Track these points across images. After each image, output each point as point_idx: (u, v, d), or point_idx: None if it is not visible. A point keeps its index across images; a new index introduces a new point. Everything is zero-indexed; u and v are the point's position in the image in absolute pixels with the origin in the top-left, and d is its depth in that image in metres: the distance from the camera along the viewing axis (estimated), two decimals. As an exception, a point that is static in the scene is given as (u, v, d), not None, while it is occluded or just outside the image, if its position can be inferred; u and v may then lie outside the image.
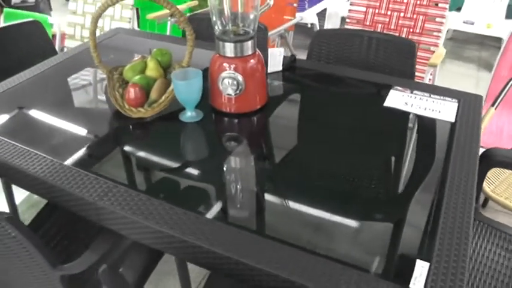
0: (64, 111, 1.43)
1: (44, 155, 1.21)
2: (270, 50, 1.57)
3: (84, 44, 1.94)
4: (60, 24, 2.69)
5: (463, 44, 4.37)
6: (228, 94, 1.32)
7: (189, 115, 1.34)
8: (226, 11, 1.30)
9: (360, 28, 2.69)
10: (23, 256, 1.01)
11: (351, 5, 2.74)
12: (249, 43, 1.30)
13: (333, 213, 1.01)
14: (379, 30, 2.70)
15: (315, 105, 1.44)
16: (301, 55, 1.81)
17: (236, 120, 1.36)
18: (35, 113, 1.42)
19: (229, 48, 1.30)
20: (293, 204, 1.03)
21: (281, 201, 1.04)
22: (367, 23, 2.72)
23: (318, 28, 3.80)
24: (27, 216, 2.32)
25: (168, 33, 2.86)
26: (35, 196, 2.46)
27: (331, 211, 1.01)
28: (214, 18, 1.32)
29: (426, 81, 2.36)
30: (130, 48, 1.89)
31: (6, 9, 2.53)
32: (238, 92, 1.31)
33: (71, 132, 1.32)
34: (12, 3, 3.83)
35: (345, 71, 1.65)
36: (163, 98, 1.36)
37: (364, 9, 2.72)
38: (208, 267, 0.96)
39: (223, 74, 1.30)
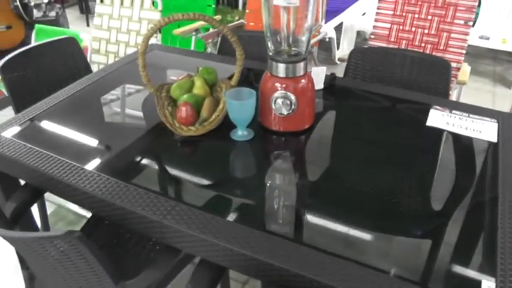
0: (108, 129, 1.45)
1: (99, 173, 1.22)
2: (313, 69, 1.59)
3: (120, 60, 1.96)
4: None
5: (476, 59, 4.40)
6: (281, 114, 1.33)
7: (241, 134, 1.36)
8: (282, 32, 1.32)
9: (396, 47, 2.71)
10: (85, 271, 1.03)
11: (375, 21, 2.77)
12: (302, 64, 1.32)
13: (383, 231, 1.02)
14: (403, 46, 2.73)
15: (357, 124, 1.46)
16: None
17: (285, 139, 1.38)
18: (83, 131, 1.44)
19: (282, 69, 1.32)
20: (345, 223, 1.05)
21: (338, 221, 1.06)
22: (392, 39, 2.75)
23: (336, 42, 3.83)
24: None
25: (192, 48, 2.88)
26: (64, 209, 2.47)
27: (379, 228, 1.03)
28: (268, 39, 1.34)
29: (454, 98, 2.38)
30: (167, 65, 1.91)
31: (37, 26, 2.56)
32: (290, 111, 1.33)
33: (120, 149, 1.34)
34: (34, 18, 3.87)
35: (383, 89, 1.67)
36: (213, 116, 1.38)
37: (388, 25, 2.75)
38: (281, 284, 0.97)
39: (276, 94, 1.32)
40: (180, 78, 1.52)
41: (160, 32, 3.36)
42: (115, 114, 1.53)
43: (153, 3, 2.73)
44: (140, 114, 1.53)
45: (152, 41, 2.71)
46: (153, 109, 1.47)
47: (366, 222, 1.05)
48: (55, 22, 3.94)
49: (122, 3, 2.82)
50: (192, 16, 1.33)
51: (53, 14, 3.94)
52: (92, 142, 1.37)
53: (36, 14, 3.92)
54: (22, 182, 1.47)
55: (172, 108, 1.42)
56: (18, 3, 3.60)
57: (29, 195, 1.48)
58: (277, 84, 1.33)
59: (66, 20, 4.19)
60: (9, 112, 3.42)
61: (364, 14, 4.13)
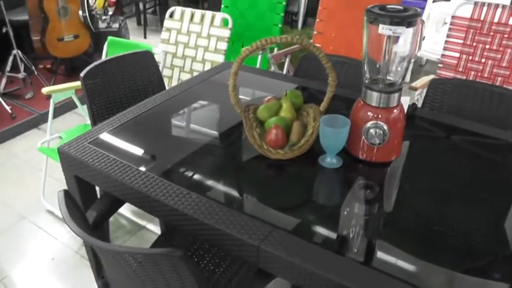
0: (189, 145, 1.46)
1: (189, 191, 1.23)
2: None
3: (195, 77, 1.99)
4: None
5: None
6: (372, 144, 1.32)
7: (329, 161, 1.35)
8: (380, 60, 1.32)
9: (477, 80, 2.66)
10: (174, 285, 1.02)
11: (444, 49, 2.73)
12: (397, 94, 1.31)
13: (458, 270, 0.99)
14: (471, 77, 2.68)
15: (437, 157, 1.44)
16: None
17: (372, 169, 1.36)
18: (164, 146, 1.45)
19: (377, 98, 1.31)
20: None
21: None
22: (460, 69, 2.70)
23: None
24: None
25: (258, 66, 2.90)
26: (122, 218, 2.50)
27: (454, 267, 0.99)
28: (365, 67, 1.33)
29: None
30: (242, 84, 1.92)
31: (110, 38, 2.63)
32: (382, 142, 1.31)
33: (206, 167, 1.35)
34: (99, 29, 3.98)
35: (463, 123, 1.64)
36: (302, 141, 1.37)
37: (457, 54, 2.70)
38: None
39: (369, 124, 1.30)
40: (266, 100, 1.52)
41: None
42: (195, 131, 1.54)
43: (223, 20, 2.76)
44: (216, 132, 1.54)
45: (220, 58, 2.74)
46: (234, 128, 1.48)
47: (440, 259, 1.02)
48: (117, 33, 4.04)
49: (191, 19, 2.87)
50: (290, 40, 1.33)
51: (116, 25, 4.04)
52: (175, 158, 1.39)
53: (101, 24, 4.03)
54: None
55: (261, 130, 1.42)
56: (87, 14, 3.71)
57: (109, 205, 1.50)
58: (371, 114, 1.32)
59: (127, 32, 4.29)
60: (73, 117, 3.51)
61: (424, 38, 4.09)
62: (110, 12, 4.11)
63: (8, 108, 3.37)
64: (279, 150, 1.35)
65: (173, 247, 1.52)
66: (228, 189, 1.25)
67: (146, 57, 2.09)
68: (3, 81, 3.62)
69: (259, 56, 2.89)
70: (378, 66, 1.35)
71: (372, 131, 1.30)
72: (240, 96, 1.81)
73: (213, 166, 1.36)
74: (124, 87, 2.04)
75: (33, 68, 3.66)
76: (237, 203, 1.19)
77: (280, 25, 3.16)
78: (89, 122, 2.57)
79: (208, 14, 2.79)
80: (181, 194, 1.22)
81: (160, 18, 6.06)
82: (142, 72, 2.10)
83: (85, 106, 2.38)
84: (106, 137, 1.50)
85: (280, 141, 1.35)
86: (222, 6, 3.35)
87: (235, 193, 1.24)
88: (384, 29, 1.23)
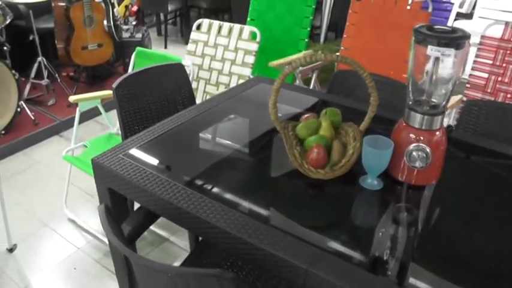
0: (224, 161, 1.45)
1: (231, 209, 1.22)
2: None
3: (225, 92, 1.98)
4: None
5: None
6: (414, 166, 1.30)
7: (370, 182, 1.33)
8: (425, 82, 1.30)
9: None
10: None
11: (472, 69, 2.70)
12: (440, 117, 1.29)
13: None
14: (500, 99, 2.65)
15: (475, 181, 1.41)
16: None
17: (412, 191, 1.34)
18: (199, 161, 1.44)
19: (420, 120, 1.29)
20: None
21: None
22: (488, 90, 2.67)
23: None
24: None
25: (283, 81, 2.89)
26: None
27: None
28: (409, 88, 1.31)
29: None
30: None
31: (138, 48, 2.63)
32: (424, 165, 1.29)
33: (244, 184, 1.33)
34: (123, 38, 4.00)
35: (498, 146, 1.61)
36: (343, 161, 1.35)
37: (486, 75, 2.68)
38: None
39: (412, 147, 1.28)
40: (304, 118, 1.51)
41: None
42: (228, 147, 1.53)
43: (251, 34, 2.76)
44: (249, 149, 1.53)
45: (247, 71, 2.73)
46: (268, 144, 1.47)
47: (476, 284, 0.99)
48: (140, 43, 4.06)
49: (219, 32, 2.87)
50: (334, 58, 1.32)
51: (139, 35, 4.06)
52: (212, 173, 1.38)
53: (124, 34, 4.05)
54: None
55: (301, 148, 1.40)
56: (111, 23, 3.73)
57: (143, 219, 1.49)
58: (413, 136, 1.30)
59: (150, 42, 4.31)
60: (94, 125, 3.52)
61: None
62: (134, 22, 4.13)
63: (31, 114, 3.39)
64: (320, 170, 1.34)
65: (207, 263, 1.51)
66: (268, 208, 1.23)
67: (178, 70, 2.09)
68: (28, 87, 3.64)
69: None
70: (422, 87, 1.33)
71: (414, 153, 1.28)
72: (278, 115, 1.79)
73: (250, 183, 1.34)
74: (154, 99, 2.04)
75: (57, 75, 3.68)
76: (279, 223, 1.17)
77: (306, 39, 3.16)
78: (113, 131, 2.58)
79: (237, 27, 2.79)
80: (223, 212, 1.20)
81: (180, 29, 6.09)
82: (173, 84, 2.10)
83: (109, 115, 2.39)
84: (140, 149, 1.49)
85: (322, 160, 1.33)
86: (248, 19, 3.36)
87: (276, 212, 1.22)
88: (432, 50, 1.21)
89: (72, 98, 2.36)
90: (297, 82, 2.85)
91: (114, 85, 1.88)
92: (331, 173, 1.34)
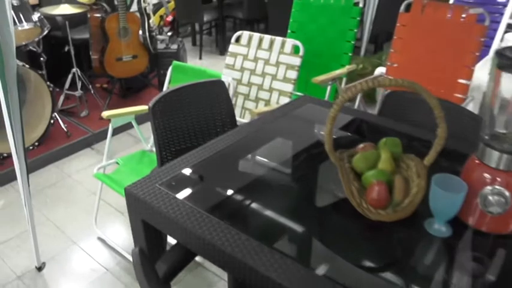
0: (270, 191, 1.29)
1: (281, 254, 1.06)
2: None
3: (273, 111, 1.83)
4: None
5: None
6: (489, 212, 1.11)
7: (437, 228, 1.15)
8: (506, 114, 1.12)
9: None
10: None
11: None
12: (524, 155, 1.10)
13: None
14: None
15: None
16: None
17: (485, 240, 1.15)
18: (243, 192, 1.29)
19: (497, 158, 1.11)
20: None
21: None
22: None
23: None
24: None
25: (326, 98, 2.73)
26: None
27: None
28: (486, 119, 1.13)
29: None
30: (316, 120, 1.74)
31: (175, 62, 2.52)
32: (502, 211, 1.10)
33: (291, 221, 1.17)
34: (158, 50, 3.91)
35: None
36: (406, 202, 1.18)
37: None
38: None
39: (487, 189, 1.10)
40: (361, 147, 1.34)
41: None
42: (278, 175, 1.38)
43: (294, 47, 2.61)
44: (303, 183, 1.38)
45: (288, 87, 2.58)
46: (321, 175, 1.32)
47: None
48: (176, 54, 3.96)
49: (259, 45, 2.73)
50: (400, 83, 1.16)
51: (174, 46, 3.97)
52: (255, 207, 1.22)
53: (160, 45, 3.96)
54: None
55: (358, 184, 1.24)
56: (147, 35, 3.64)
57: (181, 257, 1.35)
58: (489, 176, 1.12)
59: (185, 54, 4.21)
60: (127, 138, 3.43)
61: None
62: (169, 33, 4.04)
63: (63, 126, 3.31)
64: (381, 211, 1.17)
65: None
66: (321, 253, 1.08)
67: (218, 87, 1.96)
68: (61, 98, 3.58)
69: (328, 87, 2.72)
70: (501, 119, 1.15)
71: (490, 197, 1.10)
72: (321, 132, 1.63)
73: (300, 219, 1.18)
74: (192, 117, 1.91)
75: (90, 86, 3.60)
76: (335, 271, 1.01)
77: (350, 53, 3.00)
78: (146, 148, 2.46)
79: (278, 40, 2.65)
80: (273, 259, 1.05)
81: (216, 39, 6.00)
82: (212, 102, 1.97)
83: (143, 127, 2.28)
84: (179, 178, 1.36)
85: (383, 201, 1.17)
86: (289, 31, 3.22)
87: (330, 258, 1.06)
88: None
89: (105, 114, 2.26)
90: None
91: (150, 104, 1.76)
92: (393, 215, 1.17)
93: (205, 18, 5.13)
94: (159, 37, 4.05)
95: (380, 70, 3.32)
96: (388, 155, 1.28)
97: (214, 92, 1.96)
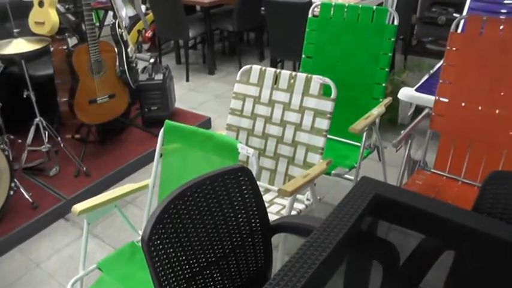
0: None
1: None
2: None
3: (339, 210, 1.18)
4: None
5: None
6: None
7: None
8: None
9: None
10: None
11: None
12: None
13: None
14: None
15: None
16: None
17: None
18: None
19: None
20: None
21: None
22: None
23: None
24: None
25: (362, 144, 2.09)
26: None
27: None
28: None
29: None
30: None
31: (167, 122, 1.83)
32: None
33: None
34: (139, 82, 3.24)
35: None
36: None
37: None
38: None
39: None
40: None
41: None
42: None
43: (323, 87, 1.96)
44: None
45: (320, 140, 1.94)
46: None
47: None
48: (161, 86, 3.30)
49: (275, 84, 2.08)
50: None
51: (159, 76, 3.30)
52: None
53: (141, 76, 3.29)
54: None
55: None
56: (125, 67, 2.95)
57: None
58: None
59: (172, 82, 3.53)
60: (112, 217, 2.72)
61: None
62: (151, 60, 3.36)
63: (28, 196, 2.61)
64: None
65: None
66: None
67: (240, 175, 1.31)
68: (25, 153, 2.88)
69: (365, 133, 2.08)
70: None
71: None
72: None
73: None
74: (205, 226, 1.25)
75: (59, 138, 2.91)
76: None
77: (384, 84, 2.35)
78: (137, 239, 1.80)
79: (301, 76, 2.00)
80: None
81: (202, 54, 5.30)
82: (231, 196, 1.31)
83: (131, 216, 1.64)
84: None
85: None
86: (303, 56, 2.56)
87: None
88: None
89: (76, 209, 1.59)
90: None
91: (143, 236, 1.10)
92: None
93: (191, 33, 4.45)
94: (138, 55, 3.36)
95: (405, 92, 2.69)
96: None
97: (234, 183, 1.30)
